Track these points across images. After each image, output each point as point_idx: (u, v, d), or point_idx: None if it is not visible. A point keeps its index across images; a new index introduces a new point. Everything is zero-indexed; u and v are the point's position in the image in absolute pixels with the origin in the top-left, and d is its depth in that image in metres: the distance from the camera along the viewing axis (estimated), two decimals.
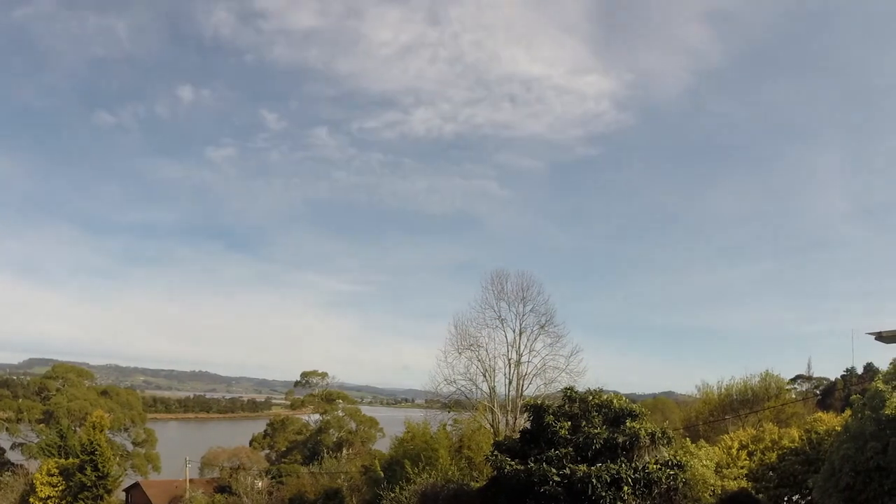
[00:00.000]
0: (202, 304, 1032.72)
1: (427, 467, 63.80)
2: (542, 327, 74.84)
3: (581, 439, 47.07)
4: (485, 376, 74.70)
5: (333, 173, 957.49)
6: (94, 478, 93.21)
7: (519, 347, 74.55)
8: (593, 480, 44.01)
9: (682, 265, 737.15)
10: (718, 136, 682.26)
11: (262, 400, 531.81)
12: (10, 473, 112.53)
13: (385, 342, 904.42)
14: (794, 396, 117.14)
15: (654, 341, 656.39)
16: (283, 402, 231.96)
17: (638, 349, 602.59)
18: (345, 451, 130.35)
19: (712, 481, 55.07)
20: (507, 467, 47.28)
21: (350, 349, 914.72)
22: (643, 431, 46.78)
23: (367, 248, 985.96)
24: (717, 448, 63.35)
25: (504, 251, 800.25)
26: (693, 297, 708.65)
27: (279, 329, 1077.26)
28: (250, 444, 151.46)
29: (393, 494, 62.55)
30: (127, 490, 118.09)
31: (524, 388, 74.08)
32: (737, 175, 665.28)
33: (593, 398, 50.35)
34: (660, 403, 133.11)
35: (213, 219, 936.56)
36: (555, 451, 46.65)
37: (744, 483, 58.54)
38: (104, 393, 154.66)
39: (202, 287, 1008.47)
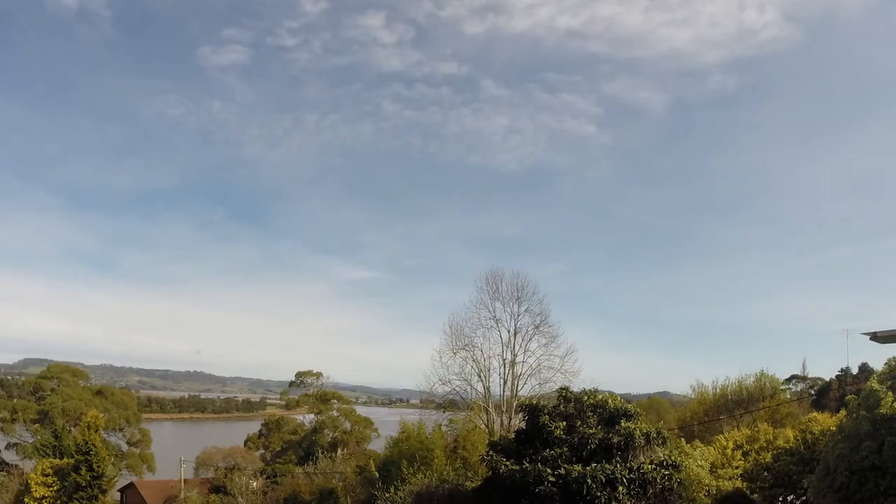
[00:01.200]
0: (199, 298, 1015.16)
1: (422, 467, 63.76)
2: (536, 327, 74.73)
3: (576, 439, 47.04)
4: (480, 376, 74.61)
5: (384, 106, 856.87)
6: (88, 478, 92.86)
7: (514, 347, 74.45)
8: (588, 481, 43.98)
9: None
10: None
11: (258, 400, 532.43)
12: (4, 473, 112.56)
13: (398, 340, 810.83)
14: (788, 396, 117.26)
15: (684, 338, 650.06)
16: (278, 402, 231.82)
17: (657, 347, 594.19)
18: (339, 452, 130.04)
19: (707, 481, 55.14)
20: (503, 467, 47.23)
21: (359, 350, 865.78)
22: (638, 431, 46.74)
23: (403, 221, 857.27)
24: (712, 448, 63.44)
25: (570, 225, 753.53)
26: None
27: (283, 327, 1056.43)
28: (245, 444, 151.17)
29: (388, 495, 62.52)
30: (122, 490, 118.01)
31: (519, 389, 74.01)
32: None
33: (588, 398, 50.31)
34: (655, 403, 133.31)
35: (215, 176, 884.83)
36: (550, 451, 46.61)
37: (739, 483, 58.64)
38: (99, 393, 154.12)
39: (199, 278, 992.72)
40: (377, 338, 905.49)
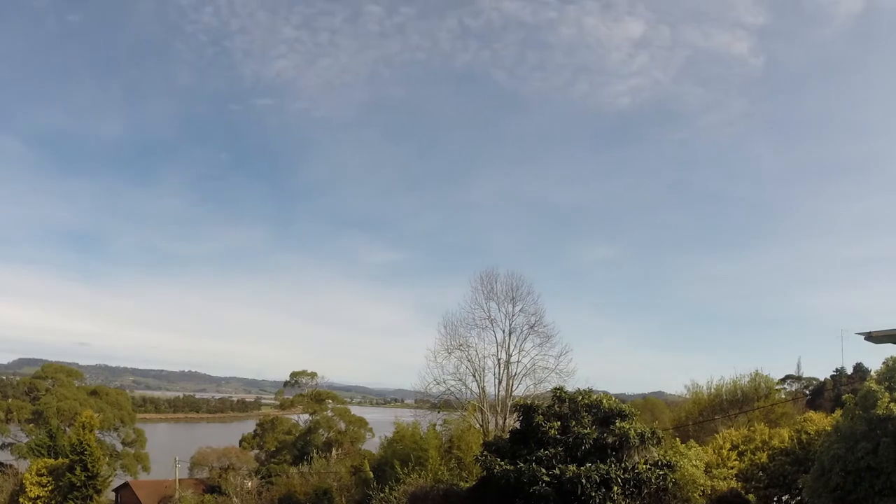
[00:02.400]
0: (193, 289, 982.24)
1: (417, 468, 63.78)
2: (531, 327, 74.79)
3: (571, 439, 47.00)
4: (474, 376, 74.64)
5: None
6: (83, 478, 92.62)
7: (508, 347, 74.49)
8: (583, 480, 43.95)
9: None
10: None
11: (252, 400, 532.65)
12: None
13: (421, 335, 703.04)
14: (783, 396, 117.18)
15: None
16: (273, 402, 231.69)
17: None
18: (334, 452, 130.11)
19: (702, 481, 55.00)
20: (497, 467, 47.19)
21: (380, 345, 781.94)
22: (633, 431, 46.72)
23: (448, 182, 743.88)
24: (706, 448, 63.35)
25: (644, 196, 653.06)
26: None
27: (289, 323, 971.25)
28: (240, 444, 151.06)
29: (382, 495, 62.44)
30: (116, 490, 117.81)
31: (514, 389, 74.03)
32: None
33: (583, 398, 50.30)
34: (649, 403, 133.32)
35: (226, 112, 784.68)
36: (544, 451, 46.58)
37: (734, 483, 58.55)
38: (94, 393, 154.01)
39: (196, 263, 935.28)
40: (400, 333, 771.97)
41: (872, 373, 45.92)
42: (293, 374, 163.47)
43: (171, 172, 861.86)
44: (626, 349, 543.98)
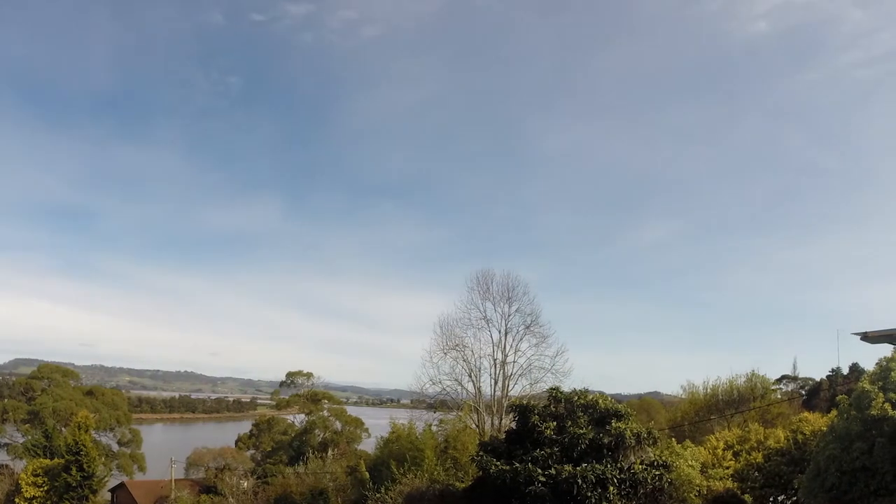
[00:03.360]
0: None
1: (413, 468, 63.75)
2: (527, 327, 74.76)
3: (566, 440, 47.05)
4: (470, 377, 74.64)
5: None
6: (79, 478, 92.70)
7: (504, 347, 74.47)
8: (579, 481, 43.99)
9: None
10: None
11: (248, 400, 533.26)
12: None
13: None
14: (779, 397, 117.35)
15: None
16: (269, 402, 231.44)
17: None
18: (330, 452, 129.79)
19: (698, 481, 55.09)
20: (493, 468, 47.22)
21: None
22: (629, 432, 46.78)
23: (514, 140, 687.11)
24: (702, 448, 63.44)
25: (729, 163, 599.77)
26: None
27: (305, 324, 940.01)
28: (236, 444, 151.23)
29: (378, 495, 62.46)
30: (112, 490, 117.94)
31: (510, 389, 74.03)
32: None
33: (579, 398, 50.36)
34: (645, 404, 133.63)
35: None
36: (540, 451, 46.62)
37: (729, 483, 58.62)
38: (89, 393, 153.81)
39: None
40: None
41: (866, 373, 45.93)
42: (289, 374, 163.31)
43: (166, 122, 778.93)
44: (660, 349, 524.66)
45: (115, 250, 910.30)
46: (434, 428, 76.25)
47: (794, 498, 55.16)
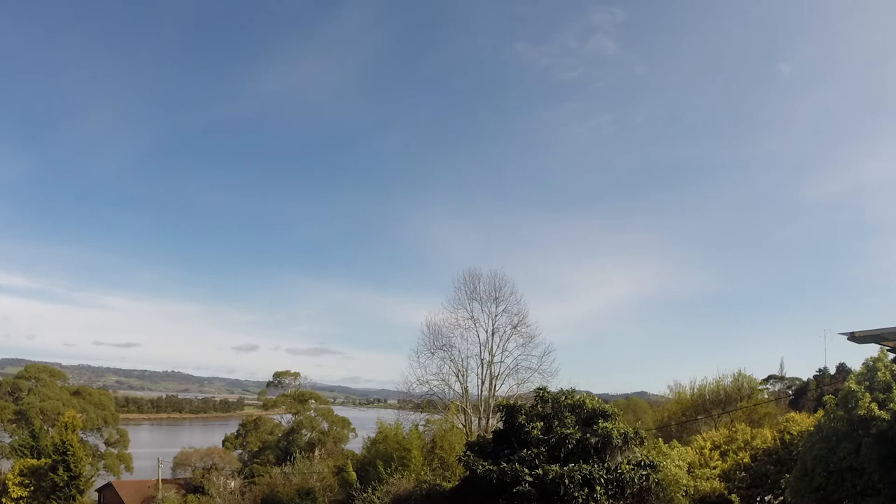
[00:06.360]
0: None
1: (400, 468, 63.72)
2: (514, 327, 74.73)
3: (553, 439, 46.99)
4: (457, 377, 74.59)
5: None
6: (66, 478, 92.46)
7: (491, 348, 74.43)
8: (566, 480, 43.93)
9: None
10: None
11: (235, 400, 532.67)
12: None
13: None
14: (766, 396, 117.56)
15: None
16: (256, 402, 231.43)
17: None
18: (317, 452, 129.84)
19: (685, 481, 55.11)
20: (480, 468, 47.12)
21: None
22: (616, 432, 46.75)
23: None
24: (689, 448, 63.45)
25: None
26: None
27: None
28: (223, 444, 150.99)
29: (365, 495, 62.37)
30: (99, 490, 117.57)
31: (497, 389, 74.00)
32: None
33: (566, 398, 50.31)
34: (632, 404, 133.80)
35: None
36: (527, 451, 46.55)
37: (716, 483, 58.65)
38: (76, 393, 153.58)
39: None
40: None
41: (853, 373, 45.99)
42: (276, 375, 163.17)
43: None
44: None
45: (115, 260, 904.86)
46: (421, 428, 76.35)
47: (781, 498, 55.21)
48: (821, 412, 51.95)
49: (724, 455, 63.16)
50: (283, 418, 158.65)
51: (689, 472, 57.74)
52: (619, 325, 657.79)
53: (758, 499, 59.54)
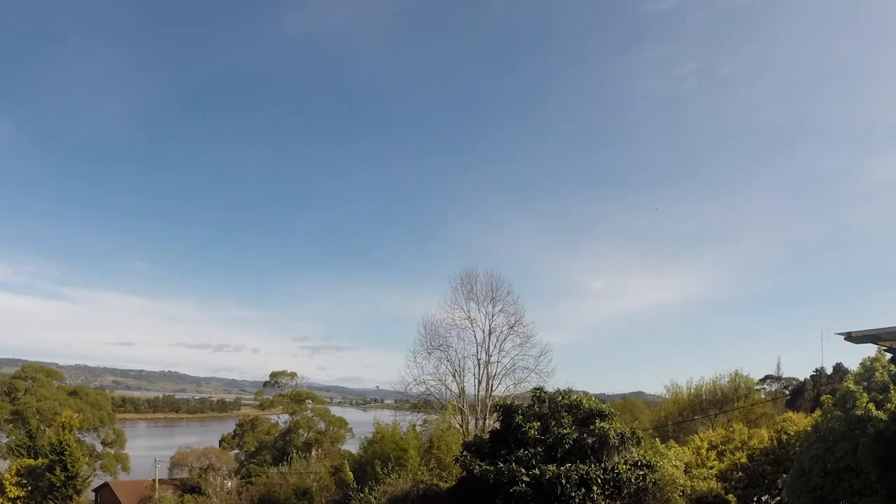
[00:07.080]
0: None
1: (397, 468, 63.64)
2: (511, 327, 74.82)
3: (550, 440, 46.89)
4: (454, 377, 74.65)
5: None
6: (63, 478, 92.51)
7: (488, 348, 74.50)
8: (563, 481, 43.83)
9: None
10: None
11: (232, 400, 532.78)
12: None
13: None
14: (763, 397, 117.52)
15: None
16: (253, 402, 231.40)
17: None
18: (314, 452, 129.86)
19: (682, 482, 55.10)
20: (477, 468, 47.02)
21: None
22: (612, 432, 46.65)
23: None
24: (686, 448, 63.46)
25: None
26: None
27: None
28: (220, 444, 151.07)
29: (362, 495, 62.29)
30: (96, 490, 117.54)
31: (494, 389, 74.04)
32: None
33: (563, 398, 50.20)
34: (629, 404, 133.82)
35: None
36: (524, 451, 46.45)
37: (713, 483, 58.61)
38: (73, 393, 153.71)
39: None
40: None
41: (850, 373, 45.98)
42: (273, 375, 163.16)
43: None
44: None
45: (107, 251, 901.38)
46: (418, 428, 76.25)
47: (778, 498, 55.24)
48: (818, 412, 51.95)
49: (720, 455, 63.16)
50: (280, 418, 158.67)
51: (686, 472, 57.75)
52: (619, 328, 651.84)
53: (755, 499, 59.55)
